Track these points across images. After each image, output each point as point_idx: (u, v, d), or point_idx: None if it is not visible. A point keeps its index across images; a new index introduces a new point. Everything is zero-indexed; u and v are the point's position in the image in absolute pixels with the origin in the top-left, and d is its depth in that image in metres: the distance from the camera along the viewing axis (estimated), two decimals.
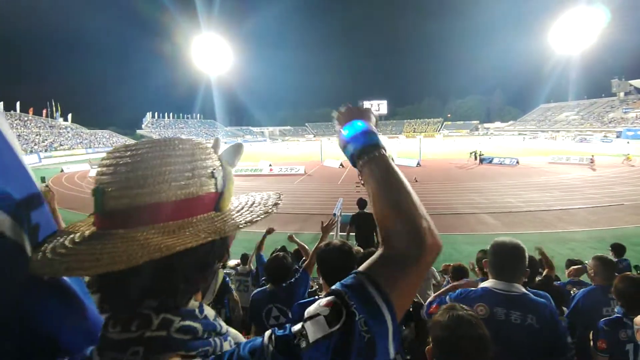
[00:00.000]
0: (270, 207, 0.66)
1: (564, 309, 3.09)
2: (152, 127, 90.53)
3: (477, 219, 13.04)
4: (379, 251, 0.61)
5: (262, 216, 0.63)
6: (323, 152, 35.23)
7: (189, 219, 0.57)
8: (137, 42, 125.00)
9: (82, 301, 0.74)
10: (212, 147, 0.67)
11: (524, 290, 1.85)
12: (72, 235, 0.60)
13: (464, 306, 1.32)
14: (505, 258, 1.89)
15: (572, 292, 3.66)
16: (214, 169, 0.63)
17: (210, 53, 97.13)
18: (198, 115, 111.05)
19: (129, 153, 0.56)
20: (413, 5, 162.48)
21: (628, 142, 46.09)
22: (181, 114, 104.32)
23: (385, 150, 0.71)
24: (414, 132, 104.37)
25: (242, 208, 0.67)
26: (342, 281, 0.57)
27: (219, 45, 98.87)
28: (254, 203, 0.69)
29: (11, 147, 0.70)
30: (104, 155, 0.61)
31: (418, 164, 29.08)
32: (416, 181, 21.26)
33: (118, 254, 0.49)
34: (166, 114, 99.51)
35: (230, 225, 0.58)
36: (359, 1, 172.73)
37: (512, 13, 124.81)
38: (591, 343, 2.31)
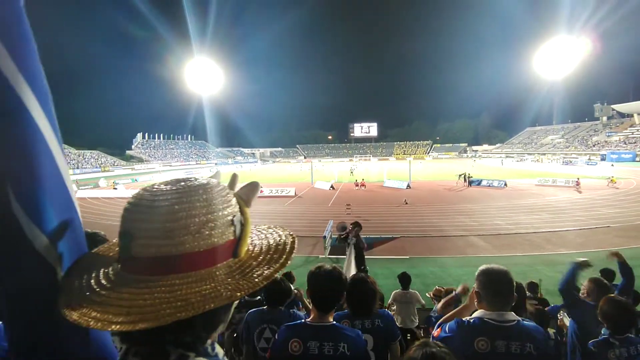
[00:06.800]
0: (285, 258, 0.68)
1: (550, 330, 3.11)
2: (142, 148, 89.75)
3: (466, 241, 13.06)
4: None
5: (280, 270, 0.65)
6: (314, 173, 35.33)
7: (211, 268, 0.61)
8: (128, 63, 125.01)
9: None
10: (229, 185, 0.70)
11: (517, 317, 1.79)
12: (99, 274, 0.64)
13: (438, 343, 1.30)
14: (498, 286, 1.80)
15: (559, 314, 3.66)
16: (234, 216, 0.65)
17: (202, 75, 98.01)
18: (189, 136, 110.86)
19: (156, 204, 0.59)
20: (403, 29, 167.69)
21: (612, 165, 47.24)
22: (172, 135, 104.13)
23: None
24: (404, 154, 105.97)
25: (260, 254, 0.69)
26: None
27: (211, 67, 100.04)
28: (269, 249, 0.71)
29: (56, 163, 0.70)
30: (129, 199, 0.64)
31: (408, 186, 29.30)
32: (406, 203, 21.34)
33: (146, 310, 0.52)
34: (157, 134, 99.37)
35: (254, 283, 0.60)
36: (349, 24, 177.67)
37: (498, 38, 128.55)
38: None
